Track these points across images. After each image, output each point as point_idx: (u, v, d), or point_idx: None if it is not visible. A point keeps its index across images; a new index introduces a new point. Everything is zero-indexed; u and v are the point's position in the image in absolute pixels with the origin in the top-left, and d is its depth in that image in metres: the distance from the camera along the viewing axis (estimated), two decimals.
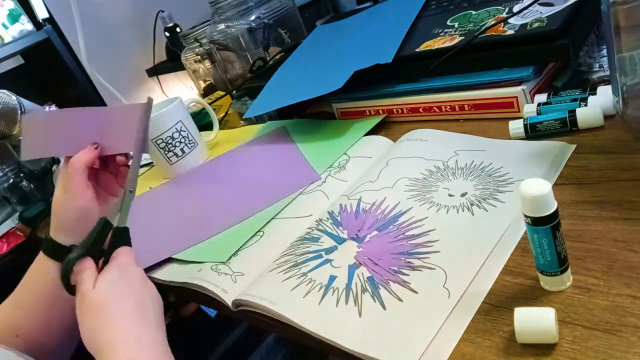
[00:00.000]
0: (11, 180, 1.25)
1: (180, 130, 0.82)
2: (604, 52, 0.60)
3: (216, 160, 0.85)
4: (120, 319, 0.44)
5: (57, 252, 0.53)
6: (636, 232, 0.39)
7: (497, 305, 0.39)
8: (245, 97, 0.98)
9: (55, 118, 0.56)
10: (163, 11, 1.87)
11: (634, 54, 0.46)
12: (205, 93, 1.27)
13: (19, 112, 0.88)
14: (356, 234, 0.52)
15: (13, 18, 1.52)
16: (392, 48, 0.72)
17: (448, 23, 0.72)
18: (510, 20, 0.63)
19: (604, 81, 0.59)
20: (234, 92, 1.05)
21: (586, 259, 0.39)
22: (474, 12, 0.71)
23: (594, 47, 0.61)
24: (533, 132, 0.56)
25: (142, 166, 1.01)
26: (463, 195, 0.51)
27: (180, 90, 2.00)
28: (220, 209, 0.68)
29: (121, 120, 0.55)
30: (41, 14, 1.54)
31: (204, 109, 0.96)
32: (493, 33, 0.63)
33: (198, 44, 1.21)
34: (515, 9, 0.65)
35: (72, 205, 0.53)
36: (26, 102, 0.90)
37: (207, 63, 1.23)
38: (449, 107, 0.67)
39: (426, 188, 0.54)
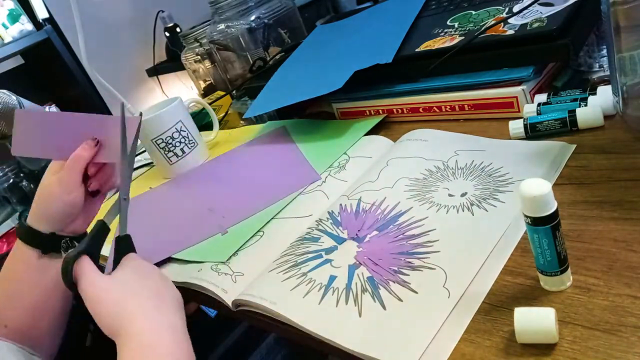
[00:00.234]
0: (11, 180, 1.25)
1: (180, 130, 0.82)
2: (604, 52, 0.60)
3: (216, 160, 0.85)
4: (140, 303, 0.45)
5: (37, 239, 0.54)
6: (636, 232, 0.39)
7: (497, 305, 0.39)
8: (245, 97, 0.98)
9: (49, 120, 0.57)
10: (163, 11, 1.88)
11: (634, 54, 0.46)
12: (205, 93, 1.27)
13: None
14: (356, 234, 0.52)
15: (13, 18, 1.52)
16: (392, 48, 0.72)
17: (448, 23, 0.72)
18: (510, 20, 0.63)
19: (604, 81, 0.59)
20: (234, 92, 1.05)
21: (586, 259, 0.39)
22: (474, 12, 0.71)
23: (594, 47, 0.61)
24: (533, 132, 0.56)
25: (142, 166, 1.01)
26: (463, 195, 0.51)
27: (180, 90, 2.00)
28: (220, 209, 0.68)
29: (113, 130, 0.55)
30: (41, 14, 1.55)
31: (204, 109, 0.96)
32: (493, 33, 0.63)
33: (198, 44, 1.21)
34: (515, 9, 0.65)
35: (64, 198, 0.54)
36: (26, 102, 0.90)
37: (207, 63, 1.23)
38: (449, 107, 0.67)
39: (426, 188, 0.54)
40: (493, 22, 0.65)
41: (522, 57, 0.60)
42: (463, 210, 0.49)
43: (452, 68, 0.66)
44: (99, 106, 1.67)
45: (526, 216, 0.35)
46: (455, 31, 0.69)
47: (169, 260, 0.63)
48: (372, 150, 0.67)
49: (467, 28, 0.68)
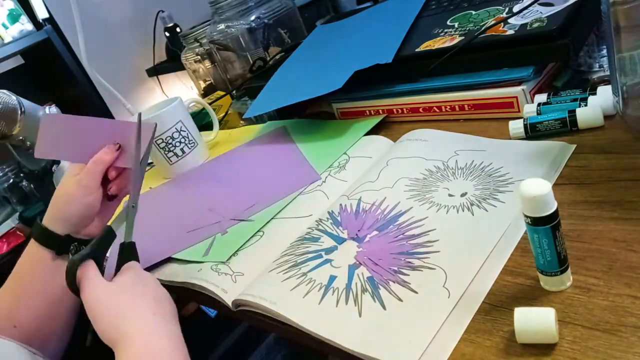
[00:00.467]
0: (11, 180, 1.25)
1: (180, 130, 0.82)
2: (604, 52, 0.60)
3: (216, 160, 0.85)
4: (139, 311, 0.45)
5: (52, 240, 0.54)
6: (636, 232, 0.39)
7: (497, 305, 0.39)
8: (245, 97, 0.98)
9: (73, 124, 0.57)
10: (163, 11, 1.87)
11: (634, 54, 0.46)
12: (205, 93, 1.27)
13: (19, 112, 0.88)
14: (356, 234, 0.52)
15: (13, 18, 1.52)
16: (392, 48, 0.72)
17: (448, 23, 0.72)
18: (510, 20, 0.63)
19: (604, 81, 0.59)
20: (234, 92, 1.05)
21: (586, 259, 0.39)
22: (474, 12, 0.71)
23: (594, 47, 0.61)
24: (533, 132, 0.56)
25: None
26: (463, 195, 0.51)
27: (180, 90, 2.00)
28: (220, 209, 0.68)
29: (131, 135, 0.57)
30: (41, 14, 1.54)
31: (204, 109, 0.96)
32: (493, 33, 0.63)
33: (198, 44, 1.21)
34: (515, 9, 0.65)
35: (83, 200, 0.55)
36: (26, 102, 0.90)
37: (207, 63, 1.23)
38: (449, 107, 0.67)
39: (426, 188, 0.54)
40: (493, 22, 0.65)
41: (522, 57, 0.60)
42: (463, 210, 0.49)
43: (452, 68, 0.66)
44: (99, 106, 1.67)
45: (526, 216, 0.35)
46: (455, 31, 0.69)
47: (169, 260, 0.63)
48: (372, 150, 0.67)
49: (467, 28, 0.68)
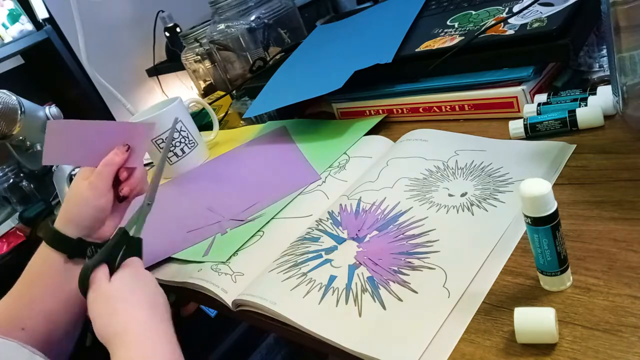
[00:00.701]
0: (11, 180, 1.25)
1: (180, 130, 0.82)
2: (604, 52, 0.60)
3: (216, 160, 0.85)
4: (133, 310, 0.46)
5: (64, 243, 0.54)
6: (636, 232, 0.39)
7: (497, 305, 0.39)
8: (245, 97, 0.98)
9: (79, 128, 0.58)
10: (163, 11, 1.88)
11: (634, 54, 0.46)
12: (205, 93, 1.27)
13: (19, 112, 0.88)
14: (356, 234, 0.52)
15: (13, 18, 1.52)
16: (392, 48, 0.72)
17: (448, 23, 0.72)
18: (510, 20, 0.63)
19: (604, 81, 0.59)
20: (234, 92, 1.05)
21: (586, 259, 0.39)
22: (474, 12, 0.71)
23: (594, 47, 0.61)
24: (533, 132, 0.56)
25: None
26: (463, 195, 0.51)
27: (180, 90, 2.00)
28: (220, 209, 0.68)
29: (140, 136, 0.57)
30: (41, 14, 1.54)
31: (204, 109, 0.96)
32: (493, 33, 0.63)
33: (198, 44, 1.21)
34: (515, 9, 0.65)
35: (95, 203, 0.55)
36: (26, 102, 0.90)
37: (207, 63, 1.23)
38: (449, 107, 0.67)
39: (426, 188, 0.54)
40: (493, 22, 0.65)
41: (522, 57, 0.60)
42: (463, 210, 0.49)
43: (452, 68, 0.66)
44: (99, 106, 1.67)
45: (526, 216, 0.35)
46: (455, 31, 0.69)
47: (169, 260, 0.63)
48: (372, 150, 0.67)
49: (467, 28, 0.68)
